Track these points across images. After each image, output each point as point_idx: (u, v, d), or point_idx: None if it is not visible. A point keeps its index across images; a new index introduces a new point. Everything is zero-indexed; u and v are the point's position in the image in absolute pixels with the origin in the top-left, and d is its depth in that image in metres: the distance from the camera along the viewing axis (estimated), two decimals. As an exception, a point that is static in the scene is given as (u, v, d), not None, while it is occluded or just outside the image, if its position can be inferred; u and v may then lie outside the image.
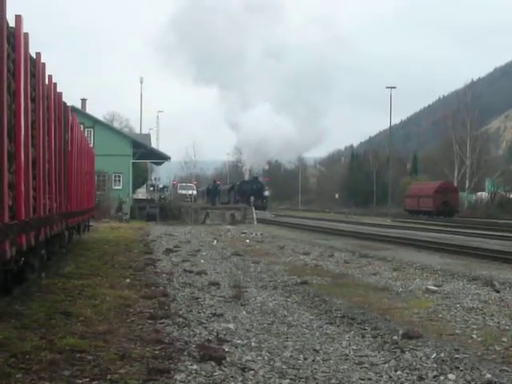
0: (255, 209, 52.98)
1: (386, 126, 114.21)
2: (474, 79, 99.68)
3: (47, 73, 12.32)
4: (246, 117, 76.72)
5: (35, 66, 10.90)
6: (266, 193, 78.94)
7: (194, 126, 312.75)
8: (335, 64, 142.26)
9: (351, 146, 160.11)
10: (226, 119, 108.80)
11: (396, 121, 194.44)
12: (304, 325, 9.71)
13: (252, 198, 62.07)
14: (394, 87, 71.94)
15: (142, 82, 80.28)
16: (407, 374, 7.09)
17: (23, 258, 10.05)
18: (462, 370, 7.09)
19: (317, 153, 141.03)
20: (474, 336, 8.93)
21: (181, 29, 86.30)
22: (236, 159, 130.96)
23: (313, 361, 7.58)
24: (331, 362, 7.57)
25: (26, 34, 9.59)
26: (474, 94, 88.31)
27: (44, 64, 11.74)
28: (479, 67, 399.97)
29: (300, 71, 79.57)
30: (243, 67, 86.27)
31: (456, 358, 7.54)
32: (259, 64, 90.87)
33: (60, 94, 14.72)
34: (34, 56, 10.93)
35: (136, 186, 64.81)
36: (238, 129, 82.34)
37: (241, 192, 71.27)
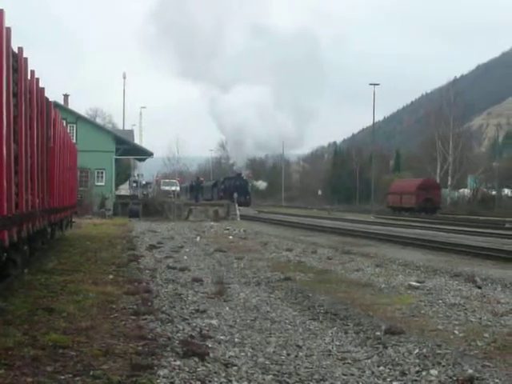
0: (238, 205, 52.95)
1: (369, 122, 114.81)
2: (457, 76, 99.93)
3: (29, 68, 12.26)
4: (228, 109, 76.89)
5: (17, 61, 10.83)
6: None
7: (177, 122, 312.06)
8: (318, 60, 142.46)
9: (334, 143, 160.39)
10: (209, 112, 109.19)
11: (379, 118, 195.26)
12: (287, 321, 9.73)
13: (235, 195, 62.03)
14: (378, 84, 72.00)
15: (124, 78, 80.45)
16: (390, 369, 7.13)
17: (5, 254, 10.00)
18: (444, 366, 7.13)
19: (300, 149, 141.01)
20: (456, 332, 8.99)
21: (161, 20, 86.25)
22: (219, 156, 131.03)
23: (296, 356, 7.61)
24: (314, 357, 7.60)
25: (9, 29, 9.53)
26: (457, 91, 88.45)
27: (26, 59, 11.67)
28: (462, 64, 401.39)
29: (281, 62, 79.79)
30: (224, 57, 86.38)
31: (438, 354, 7.59)
32: (241, 54, 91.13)
33: (42, 90, 14.64)
34: (16, 51, 10.86)
35: (119, 183, 64.53)
36: (220, 121, 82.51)
37: (224, 188, 71.29)
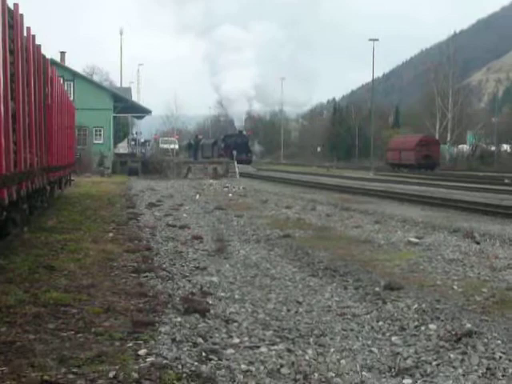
0: (240, 163, 52.87)
1: (368, 79, 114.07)
2: (457, 31, 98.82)
3: (26, 24, 12.12)
4: (226, 63, 76.39)
5: (13, 18, 10.71)
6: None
7: (175, 80, 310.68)
8: (316, 16, 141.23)
9: (333, 100, 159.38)
10: (208, 68, 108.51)
11: (378, 74, 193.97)
12: (287, 277, 9.78)
13: (234, 152, 61.81)
14: (377, 39, 71.29)
15: (121, 34, 79.45)
16: (389, 324, 7.18)
17: (5, 213, 10.00)
18: (442, 321, 7.18)
19: (302, 108, 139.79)
20: (455, 287, 9.04)
21: None
22: (218, 113, 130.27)
23: (296, 312, 7.65)
24: (314, 313, 7.64)
25: (4, -15, 9.41)
26: (457, 47, 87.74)
27: (22, 15, 11.53)
28: (462, 19, 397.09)
29: (282, 21, 79.23)
30: (222, 10, 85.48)
31: (437, 309, 7.64)
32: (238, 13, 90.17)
33: (39, 47, 14.50)
34: (11, 7, 10.72)
35: (117, 141, 64.37)
36: (218, 77, 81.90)
37: (225, 146, 70.91)
